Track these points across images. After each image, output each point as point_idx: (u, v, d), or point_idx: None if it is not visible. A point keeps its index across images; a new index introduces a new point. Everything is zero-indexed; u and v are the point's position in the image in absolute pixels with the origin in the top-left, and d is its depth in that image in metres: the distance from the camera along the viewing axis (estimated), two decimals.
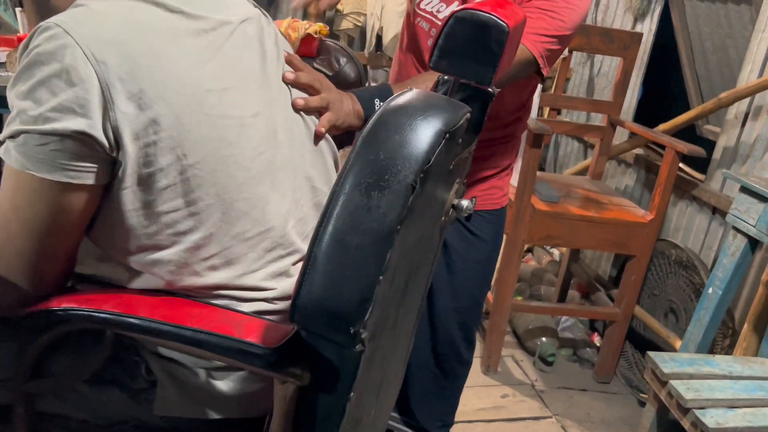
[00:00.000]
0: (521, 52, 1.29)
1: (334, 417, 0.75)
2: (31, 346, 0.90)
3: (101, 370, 0.96)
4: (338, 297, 0.67)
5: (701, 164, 2.65)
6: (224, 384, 0.96)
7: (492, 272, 1.77)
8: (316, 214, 1.10)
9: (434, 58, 1.02)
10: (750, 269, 2.27)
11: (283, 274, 1.04)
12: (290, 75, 1.06)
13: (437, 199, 0.90)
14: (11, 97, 0.82)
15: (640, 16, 3.11)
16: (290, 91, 1.07)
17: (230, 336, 0.79)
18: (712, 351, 2.20)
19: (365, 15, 3.87)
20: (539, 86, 2.21)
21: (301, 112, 1.08)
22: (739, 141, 2.47)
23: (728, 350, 2.27)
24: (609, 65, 3.37)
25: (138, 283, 0.94)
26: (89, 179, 0.83)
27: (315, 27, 1.70)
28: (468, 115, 0.87)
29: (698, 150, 2.32)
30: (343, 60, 1.67)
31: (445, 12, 1.52)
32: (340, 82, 1.61)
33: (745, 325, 2.04)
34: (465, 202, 0.99)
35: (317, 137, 1.09)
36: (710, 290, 2.02)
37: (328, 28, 1.79)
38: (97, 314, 0.83)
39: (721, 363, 1.81)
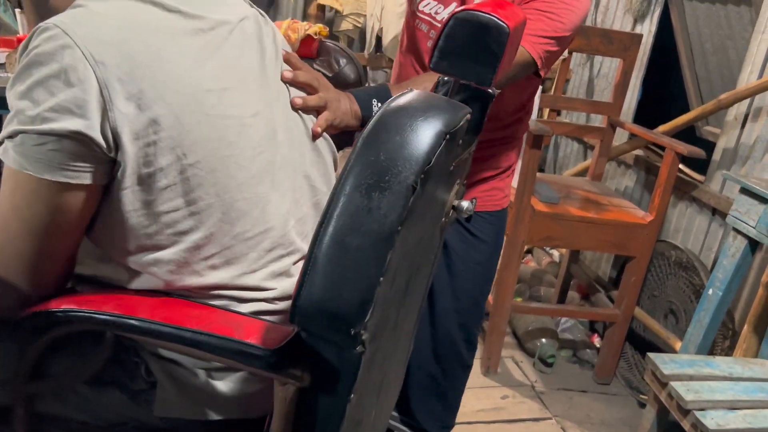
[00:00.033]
0: (520, 54, 1.29)
1: (335, 418, 0.75)
2: (30, 347, 0.90)
3: (101, 372, 0.96)
4: (339, 298, 0.67)
5: (701, 165, 2.65)
6: (224, 385, 0.96)
7: (493, 274, 1.77)
8: (315, 213, 1.10)
9: (434, 59, 1.02)
10: (750, 270, 2.27)
11: (284, 274, 1.04)
12: (288, 74, 1.06)
13: (438, 200, 0.90)
14: (10, 97, 0.82)
15: (639, 18, 3.11)
16: (289, 90, 1.07)
17: (230, 337, 0.79)
18: (712, 352, 2.20)
19: (365, 16, 3.86)
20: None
21: (300, 111, 1.08)
22: (738, 142, 2.47)
23: (728, 351, 2.27)
24: (609, 66, 3.37)
25: (138, 284, 0.94)
26: (87, 179, 0.83)
27: (315, 28, 1.71)
28: (468, 116, 0.87)
29: (698, 151, 2.32)
30: (342, 61, 1.67)
31: (443, 14, 1.52)
32: (340, 83, 1.61)
33: (745, 327, 2.04)
34: (465, 203, 0.99)
35: (314, 136, 1.09)
36: (710, 291, 2.02)
37: (327, 29, 1.80)
38: (97, 316, 0.83)
39: (721, 364, 1.81)
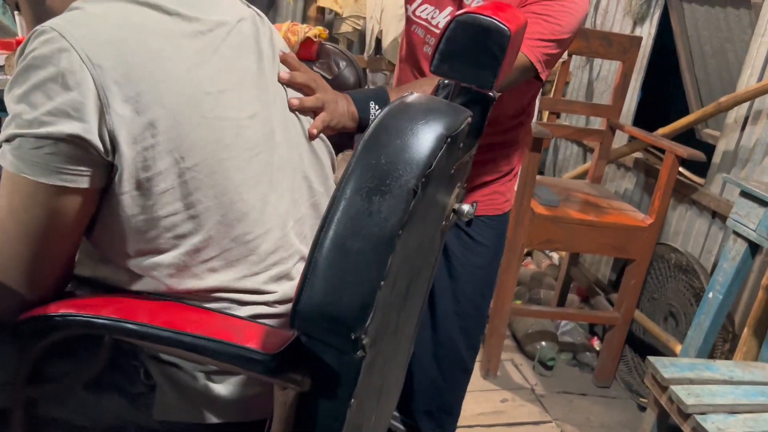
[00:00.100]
0: (518, 59, 1.29)
1: (335, 423, 0.74)
2: (29, 350, 0.89)
3: (100, 375, 0.96)
4: (339, 302, 0.67)
5: (701, 168, 2.65)
6: (223, 388, 0.96)
7: (494, 278, 1.76)
8: (313, 214, 1.09)
9: (435, 62, 1.01)
10: (750, 273, 2.27)
11: (285, 277, 1.03)
12: (285, 75, 1.06)
13: (438, 203, 0.90)
14: (8, 100, 0.81)
15: (639, 20, 3.11)
16: (286, 91, 1.06)
17: (230, 342, 0.79)
18: (712, 355, 2.20)
19: (364, 18, 3.86)
20: None
21: (297, 113, 1.07)
22: (738, 145, 2.47)
23: (728, 354, 2.27)
24: (608, 69, 3.37)
25: (138, 286, 0.94)
26: (84, 183, 0.83)
27: (314, 30, 1.70)
28: (469, 119, 0.87)
29: (698, 154, 2.31)
30: (342, 63, 1.67)
31: (439, 18, 1.52)
32: (340, 85, 1.61)
33: (746, 330, 2.03)
34: (466, 207, 0.99)
35: (310, 137, 1.09)
36: (710, 295, 2.01)
37: (327, 31, 1.79)
38: (95, 320, 0.83)
39: (721, 368, 1.80)
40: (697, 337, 2.03)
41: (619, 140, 3.08)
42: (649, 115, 3.22)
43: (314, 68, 1.64)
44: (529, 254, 3.61)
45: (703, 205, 2.58)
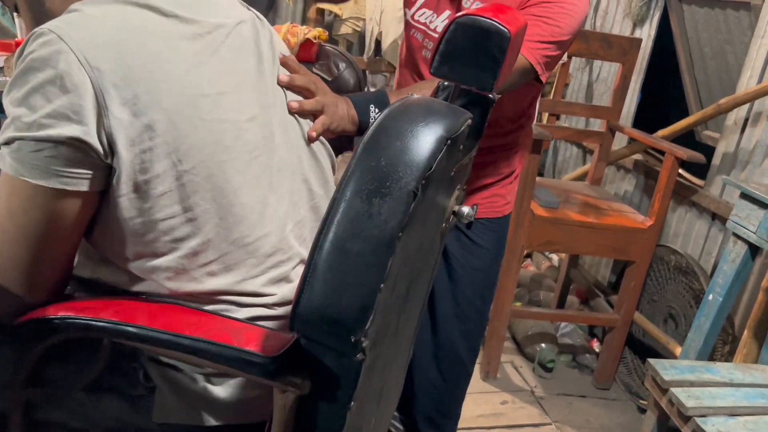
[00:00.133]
0: (518, 61, 1.29)
1: (335, 426, 0.74)
2: (28, 353, 0.89)
3: (99, 377, 0.96)
4: (339, 305, 0.66)
5: (700, 170, 2.65)
6: (223, 390, 0.96)
7: (494, 280, 1.76)
8: (313, 216, 1.09)
9: (435, 64, 1.01)
10: (750, 275, 2.27)
11: (283, 279, 1.03)
12: (285, 77, 1.06)
13: (438, 205, 0.89)
14: (6, 103, 0.81)
15: (639, 22, 3.11)
16: (285, 93, 1.06)
17: (229, 345, 0.79)
18: (712, 357, 2.19)
19: (364, 20, 3.86)
20: None
21: (297, 115, 1.07)
22: (738, 147, 2.47)
23: (728, 357, 2.27)
24: (608, 71, 3.37)
25: (138, 287, 0.93)
26: (84, 186, 0.83)
27: (314, 32, 1.70)
28: (469, 121, 0.87)
29: (698, 156, 2.31)
30: (342, 65, 1.67)
31: (437, 22, 1.52)
32: (340, 87, 1.61)
33: (746, 332, 2.03)
34: (465, 209, 0.99)
35: (310, 140, 1.09)
36: (710, 297, 2.01)
37: (327, 33, 1.79)
38: (94, 323, 0.83)
39: (721, 370, 1.80)
40: (697, 339, 2.03)
41: (619, 142, 3.07)
42: (648, 117, 3.22)
43: (314, 70, 1.64)
44: (528, 256, 3.61)
45: (703, 207, 2.58)
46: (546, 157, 3.88)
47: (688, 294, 2.48)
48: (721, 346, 2.28)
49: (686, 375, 1.74)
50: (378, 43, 3.83)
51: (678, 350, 2.30)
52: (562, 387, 2.68)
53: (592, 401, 2.62)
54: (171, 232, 0.89)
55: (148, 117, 0.83)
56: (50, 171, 0.80)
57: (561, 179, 3.40)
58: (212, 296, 0.95)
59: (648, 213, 2.50)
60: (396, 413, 1.80)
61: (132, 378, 0.96)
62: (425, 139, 0.70)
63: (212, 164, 0.89)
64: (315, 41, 1.68)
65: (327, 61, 1.68)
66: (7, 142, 0.80)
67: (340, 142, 1.22)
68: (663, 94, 3.66)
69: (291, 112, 1.06)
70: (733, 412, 1.62)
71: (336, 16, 3.83)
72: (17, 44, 2.14)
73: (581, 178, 3.19)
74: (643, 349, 2.71)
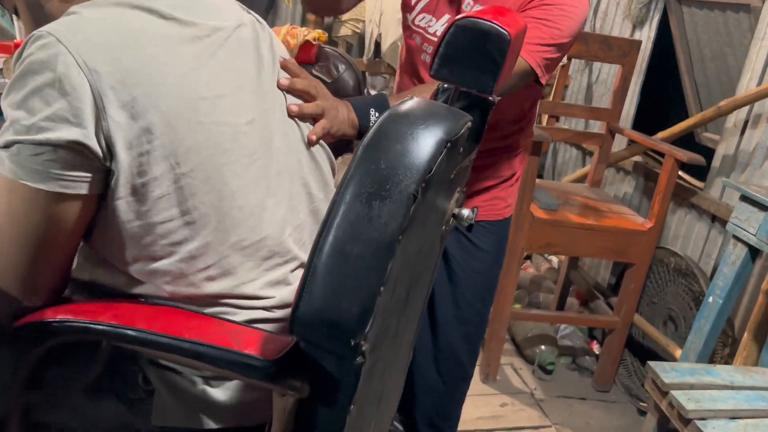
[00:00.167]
0: (518, 63, 1.28)
1: (334, 429, 0.74)
2: (26, 356, 0.89)
3: (98, 380, 0.95)
4: (339, 308, 0.66)
5: (700, 172, 2.65)
6: (221, 393, 0.95)
7: (494, 283, 1.76)
8: (312, 221, 1.09)
9: (435, 66, 1.01)
10: (750, 278, 2.27)
11: (282, 282, 1.03)
12: (285, 81, 1.06)
13: (438, 208, 0.89)
14: (5, 106, 0.81)
15: (638, 24, 3.11)
16: (285, 96, 1.06)
17: (229, 348, 0.78)
18: (712, 360, 2.19)
19: (364, 22, 3.86)
20: None
21: (296, 119, 1.07)
22: (738, 149, 2.47)
23: (728, 359, 2.27)
24: (607, 72, 3.37)
25: (137, 290, 0.93)
26: (83, 189, 0.83)
27: (314, 34, 1.70)
28: (469, 123, 0.87)
29: (698, 158, 2.31)
30: (341, 67, 1.67)
31: (436, 26, 1.52)
32: (339, 88, 1.60)
33: (745, 334, 2.03)
34: (465, 212, 0.99)
35: (309, 144, 1.08)
36: (710, 299, 2.01)
37: (326, 34, 1.79)
38: (93, 326, 0.82)
39: (722, 373, 1.80)
40: (697, 342, 2.03)
41: (619, 144, 3.07)
42: (648, 119, 3.22)
43: (313, 71, 1.64)
44: (528, 258, 3.61)
45: (703, 209, 2.58)
46: (545, 158, 3.88)
47: (687, 296, 2.48)
48: (720, 349, 2.28)
49: (686, 378, 1.74)
50: (377, 44, 3.83)
51: (678, 352, 2.30)
52: (562, 389, 2.68)
53: (592, 403, 2.62)
54: (169, 236, 0.88)
55: (146, 120, 0.83)
56: (49, 174, 0.80)
57: (560, 181, 3.40)
58: (211, 299, 0.95)
59: (648, 215, 2.50)
60: (396, 414, 1.80)
61: (131, 381, 0.96)
62: (425, 142, 0.70)
63: (210, 167, 0.89)
64: (314, 43, 1.68)
65: (326, 63, 1.68)
66: (6, 146, 0.80)
67: (339, 144, 1.22)
68: (663, 96, 3.66)
69: (291, 115, 1.06)
70: (733, 415, 1.62)
71: (335, 17, 3.83)
72: (16, 46, 2.14)
73: (581, 180, 3.19)
74: (643, 352, 2.71)
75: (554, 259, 3.53)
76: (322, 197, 1.10)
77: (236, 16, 0.99)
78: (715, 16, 2.74)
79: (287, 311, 0.99)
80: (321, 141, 1.11)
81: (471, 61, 0.98)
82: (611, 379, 2.70)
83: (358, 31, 3.89)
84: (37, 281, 0.87)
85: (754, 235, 1.89)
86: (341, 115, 1.14)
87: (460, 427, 1.86)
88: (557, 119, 3.33)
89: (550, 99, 3.20)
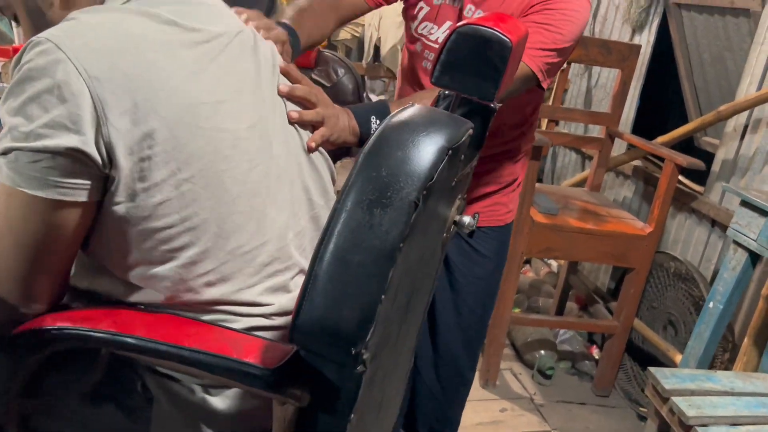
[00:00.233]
0: (520, 68, 1.28)
1: None
2: (24, 364, 0.88)
3: (97, 388, 0.95)
4: (339, 316, 0.66)
5: (700, 176, 2.64)
6: (221, 401, 0.95)
7: (495, 289, 1.75)
8: (313, 227, 1.08)
9: (436, 73, 1.01)
10: (750, 283, 2.27)
11: (282, 289, 1.02)
12: (284, 88, 1.05)
13: (439, 215, 0.89)
14: (3, 112, 0.80)
15: (638, 28, 3.11)
16: (285, 103, 1.05)
17: (229, 356, 0.78)
18: (712, 365, 2.19)
19: (363, 26, 3.86)
20: None
21: (296, 125, 1.06)
22: (738, 154, 2.47)
23: (728, 364, 2.26)
24: (607, 77, 3.37)
25: (135, 297, 0.93)
26: (82, 196, 0.82)
27: None
28: (470, 130, 0.86)
29: (698, 163, 2.31)
30: (341, 71, 1.67)
31: (437, 33, 1.52)
32: (338, 92, 1.60)
33: (746, 340, 2.03)
34: (467, 219, 0.98)
35: (309, 151, 1.08)
36: (711, 305, 2.01)
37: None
38: (92, 334, 0.82)
39: (722, 379, 1.79)
40: (698, 348, 2.02)
41: (618, 148, 3.07)
42: (648, 123, 3.22)
43: (312, 75, 1.64)
44: (527, 262, 3.60)
45: (703, 214, 2.57)
46: (545, 163, 3.88)
47: (687, 301, 2.47)
48: (721, 354, 2.27)
49: (687, 384, 1.73)
50: (377, 48, 3.83)
51: (678, 357, 2.30)
52: (562, 394, 2.67)
53: (592, 408, 2.61)
54: (169, 242, 0.88)
55: (148, 125, 0.82)
56: (48, 182, 0.79)
57: (560, 185, 3.40)
58: (209, 306, 0.95)
59: (647, 219, 2.50)
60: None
61: (130, 388, 0.95)
62: (426, 149, 0.70)
63: (211, 173, 0.89)
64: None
65: (326, 67, 1.68)
66: (4, 153, 0.79)
67: (338, 150, 1.21)
68: (662, 101, 3.66)
69: (291, 122, 1.05)
70: (734, 422, 1.61)
71: None
72: (15, 50, 2.13)
73: (580, 184, 3.19)
74: (643, 356, 2.71)
75: (554, 263, 3.53)
76: (323, 204, 1.09)
77: (237, 22, 0.99)
78: (714, 21, 2.74)
79: (287, 319, 0.99)
80: (321, 149, 1.11)
81: (472, 68, 0.98)
82: (611, 384, 2.70)
83: (358, 35, 3.89)
84: (36, 288, 0.87)
85: (755, 241, 1.89)
86: (341, 122, 1.14)
87: None
88: (557, 123, 3.33)
89: (550, 103, 3.20)
